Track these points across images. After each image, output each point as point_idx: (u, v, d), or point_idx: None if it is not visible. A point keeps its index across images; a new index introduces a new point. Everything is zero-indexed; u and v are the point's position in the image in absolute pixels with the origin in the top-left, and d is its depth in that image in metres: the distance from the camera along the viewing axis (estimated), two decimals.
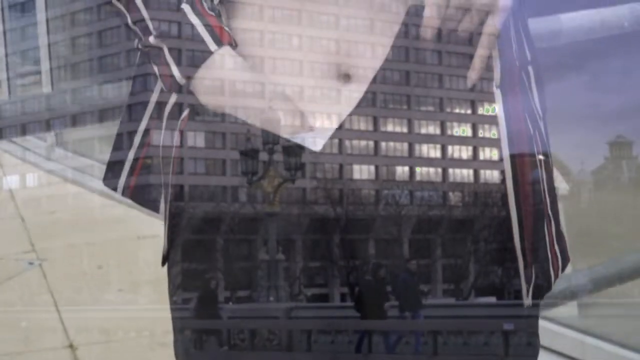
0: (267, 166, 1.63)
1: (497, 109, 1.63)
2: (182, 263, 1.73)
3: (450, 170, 1.70)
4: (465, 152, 1.71)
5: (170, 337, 1.75)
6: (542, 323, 1.74)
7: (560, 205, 1.73)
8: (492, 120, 1.63)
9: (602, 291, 3.54)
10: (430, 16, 1.58)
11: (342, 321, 1.70)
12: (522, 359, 1.72)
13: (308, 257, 1.69)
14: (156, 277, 1.81)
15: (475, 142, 1.71)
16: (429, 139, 1.70)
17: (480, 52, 1.60)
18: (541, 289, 1.68)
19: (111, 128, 1.83)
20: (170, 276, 1.74)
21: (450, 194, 1.71)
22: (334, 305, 1.74)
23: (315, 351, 1.67)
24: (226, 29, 1.61)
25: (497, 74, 1.61)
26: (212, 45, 1.58)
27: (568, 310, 3.97)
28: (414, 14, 1.61)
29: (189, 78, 1.60)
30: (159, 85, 1.67)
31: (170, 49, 1.60)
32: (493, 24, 1.59)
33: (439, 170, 1.69)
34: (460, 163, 1.71)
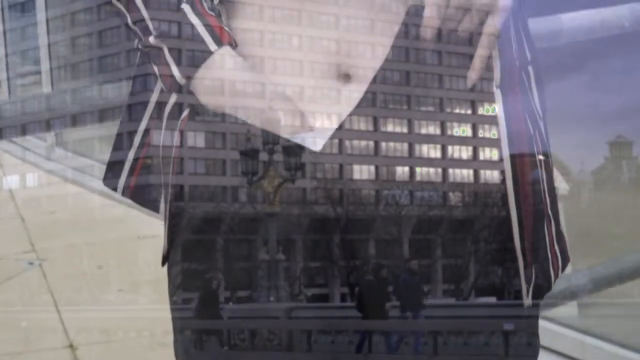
0: (267, 166, 1.63)
1: (497, 109, 1.63)
2: (182, 263, 1.73)
3: (451, 171, 1.70)
4: (465, 152, 1.71)
5: (170, 338, 1.75)
6: (542, 323, 1.74)
7: (560, 205, 1.73)
8: (492, 120, 1.63)
9: (602, 291, 3.54)
10: (430, 16, 1.58)
11: (342, 321, 1.70)
12: (523, 359, 1.72)
13: (308, 257, 1.69)
14: (156, 277, 1.81)
15: (476, 142, 1.70)
16: (429, 139, 1.70)
17: (481, 52, 1.60)
18: (541, 289, 1.68)
19: (111, 128, 1.83)
20: (170, 276, 1.74)
21: (451, 194, 1.71)
22: (334, 305, 1.74)
23: (315, 351, 1.67)
24: (226, 29, 1.61)
25: (497, 74, 1.61)
26: (212, 46, 1.58)
27: (568, 310, 3.97)
28: (414, 14, 1.61)
29: (189, 78, 1.60)
30: (159, 85, 1.67)
31: (170, 49, 1.60)
32: (493, 24, 1.59)
33: (439, 170, 1.69)
34: (460, 163, 1.71)
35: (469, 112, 1.69)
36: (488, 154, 1.69)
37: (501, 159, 1.63)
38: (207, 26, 1.59)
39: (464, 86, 1.63)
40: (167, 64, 1.61)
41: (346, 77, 1.62)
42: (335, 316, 1.73)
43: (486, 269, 1.70)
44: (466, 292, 1.71)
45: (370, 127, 1.66)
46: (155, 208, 1.73)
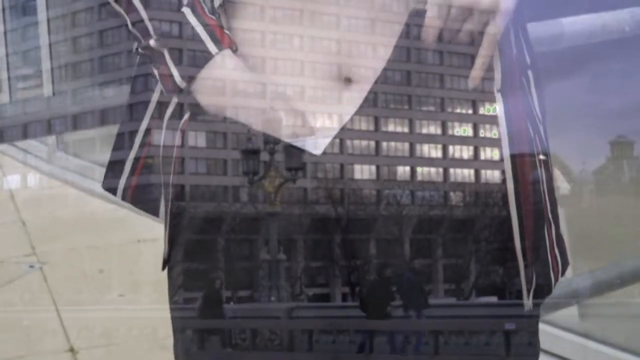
0: (268, 166, 1.63)
1: (497, 112, 1.63)
2: (183, 263, 1.73)
3: (452, 170, 1.70)
4: (466, 152, 1.71)
5: (170, 341, 1.75)
6: (542, 327, 1.74)
7: (560, 209, 1.74)
8: (494, 120, 1.64)
9: (603, 295, 3.54)
10: (432, 16, 1.58)
11: (343, 321, 1.69)
12: (524, 358, 1.72)
13: (309, 257, 1.69)
14: (157, 281, 1.81)
15: (477, 142, 1.71)
16: (430, 139, 1.70)
17: (482, 53, 1.60)
18: (541, 292, 1.68)
19: (113, 130, 1.83)
20: (171, 276, 1.74)
21: (452, 193, 1.71)
22: (336, 305, 1.74)
23: (316, 351, 1.67)
24: (227, 32, 1.61)
25: (497, 78, 1.62)
26: (212, 49, 1.59)
27: (569, 313, 3.96)
28: (416, 14, 1.61)
29: (189, 81, 1.60)
30: (159, 85, 1.67)
31: (170, 52, 1.60)
32: (495, 25, 1.59)
33: (440, 170, 1.69)
34: (461, 163, 1.71)
35: (470, 112, 1.69)
36: (489, 153, 1.69)
37: (502, 160, 1.64)
38: (207, 29, 1.59)
39: (465, 86, 1.63)
40: (168, 67, 1.61)
41: (348, 81, 1.63)
42: (336, 316, 1.73)
43: (487, 269, 1.70)
44: (467, 292, 1.71)
45: (372, 127, 1.66)
46: (155, 211, 1.73)
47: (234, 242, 1.73)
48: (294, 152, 1.61)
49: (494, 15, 1.58)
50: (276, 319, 1.70)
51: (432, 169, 1.70)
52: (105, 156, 1.80)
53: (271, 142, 1.62)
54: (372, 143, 1.68)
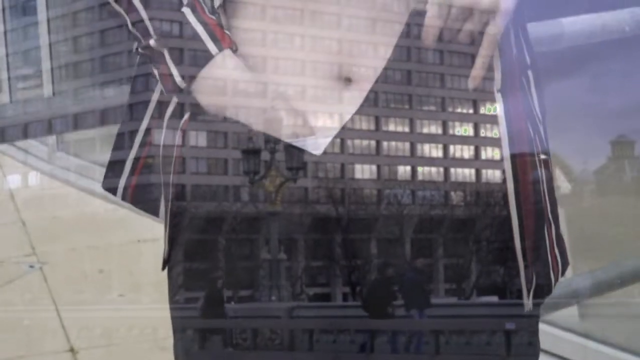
0: (269, 166, 1.63)
1: (497, 112, 1.63)
2: (184, 263, 1.73)
3: (452, 170, 1.70)
4: (467, 152, 1.71)
5: (170, 341, 1.75)
6: (543, 327, 1.74)
7: (560, 208, 1.74)
8: (494, 119, 1.64)
9: (603, 295, 3.54)
10: (432, 16, 1.58)
11: (344, 321, 1.69)
12: (524, 358, 1.72)
13: (310, 256, 1.69)
14: (157, 281, 1.81)
15: (478, 141, 1.71)
16: (431, 138, 1.70)
17: (483, 53, 1.60)
18: (541, 292, 1.68)
19: (113, 130, 1.83)
20: (171, 276, 1.74)
21: (452, 193, 1.71)
22: (336, 304, 1.73)
23: (317, 351, 1.66)
24: (227, 32, 1.61)
25: (497, 78, 1.62)
26: (212, 49, 1.59)
27: (569, 313, 3.96)
28: (417, 14, 1.61)
29: (190, 82, 1.60)
30: (159, 85, 1.67)
31: (171, 53, 1.60)
32: (496, 25, 1.59)
33: (441, 169, 1.69)
34: (462, 163, 1.71)
35: (471, 111, 1.69)
36: (490, 153, 1.69)
37: (502, 160, 1.64)
38: (207, 29, 1.59)
39: (465, 86, 1.63)
40: (168, 67, 1.61)
41: (348, 80, 1.63)
42: (337, 315, 1.73)
43: (488, 269, 1.70)
44: (468, 292, 1.71)
45: (372, 127, 1.66)
46: (155, 211, 1.73)
47: (235, 242, 1.73)
48: (294, 151, 1.61)
49: (494, 15, 1.59)
50: (277, 318, 1.70)
51: (433, 169, 1.70)
52: (106, 156, 1.80)
53: (272, 141, 1.62)
54: (373, 143, 1.68)
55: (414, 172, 1.70)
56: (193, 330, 1.74)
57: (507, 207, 1.63)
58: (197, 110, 1.64)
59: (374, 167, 1.69)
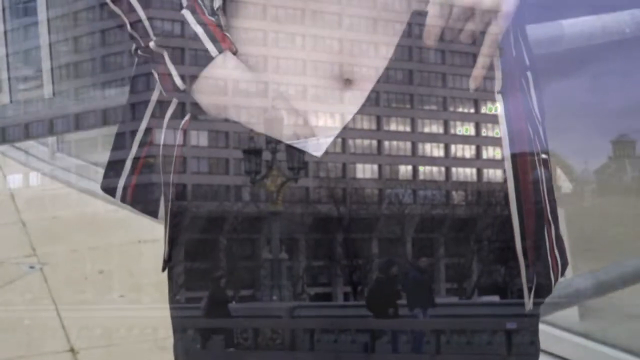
0: (270, 165, 1.63)
1: (498, 112, 1.63)
2: (184, 263, 1.72)
3: (454, 169, 1.70)
4: (468, 151, 1.71)
5: (170, 341, 1.75)
6: (543, 327, 1.75)
7: (561, 208, 1.74)
8: (495, 119, 1.64)
9: (604, 295, 3.54)
10: (434, 16, 1.58)
11: (345, 320, 1.69)
12: (524, 358, 1.72)
13: (311, 256, 1.69)
14: (157, 282, 1.81)
15: (479, 141, 1.71)
16: (432, 138, 1.70)
17: (484, 53, 1.60)
18: (542, 291, 1.69)
19: (114, 130, 1.83)
20: (171, 277, 1.74)
21: (454, 192, 1.71)
22: (338, 304, 1.73)
23: (318, 350, 1.66)
24: (227, 34, 1.61)
25: (498, 78, 1.62)
26: (212, 50, 1.59)
27: (569, 313, 3.97)
28: (418, 13, 1.61)
29: (189, 83, 1.60)
30: (159, 85, 1.67)
31: (170, 55, 1.61)
32: (497, 25, 1.59)
33: (442, 169, 1.69)
34: (463, 162, 1.71)
35: (472, 111, 1.69)
36: (491, 152, 1.69)
37: (503, 159, 1.64)
38: (207, 31, 1.60)
39: (467, 85, 1.64)
40: (168, 69, 1.61)
41: (349, 80, 1.63)
42: (338, 315, 1.73)
43: (489, 268, 1.70)
44: (469, 291, 1.71)
45: (373, 126, 1.66)
46: (154, 212, 1.73)
47: (236, 242, 1.73)
48: (296, 151, 1.61)
49: (496, 15, 1.59)
50: (278, 318, 1.70)
51: (434, 168, 1.70)
52: (106, 156, 1.80)
53: (273, 141, 1.62)
54: (374, 142, 1.68)
55: (415, 171, 1.70)
56: (193, 330, 1.74)
57: (508, 206, 1.63)
58: (198, 111, 1.64)
59: (375, 167, 1.69)
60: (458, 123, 1.71)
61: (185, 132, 1.66)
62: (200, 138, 1.69)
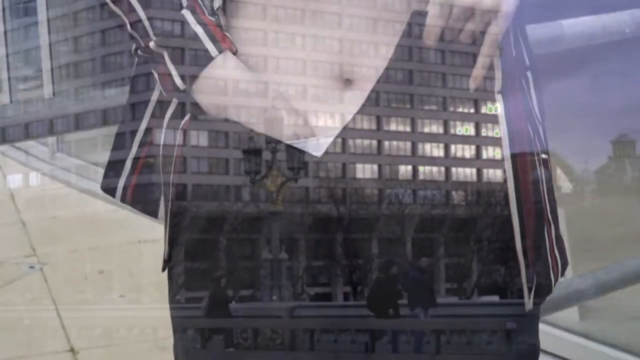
0: (270, 165, 1.63)
1: (498, 112, 1.63)
2: (184, 263, 1.72)
3: (453, 170, 1.69)
4: (468, 151, 1.71)
5: (169, 341, 1.75)
6: (543, 327, 1.75)
7: (561, 208, 1.74)
8: (495, 119, 1.64)
9: (605, 295, 3.54)
10: (434, 15, 1.58)
11: (345, 320, 1.69)
12: (525, 357, 1.72)
13: (311, 256, 1.69)
14: (157, 281, 1.81)
15: (479, 141, 1.71)
16: (432, 138, 1.70)
17: (484, 53, 1.60)
18: (542, 291, 1.69)
19: (114, 130, 1.83)
20: (171, 277, 1.74)
21: (454, 192, 1.71)
22: (338, 304, 1.73)
23: (318, 350, 1.66)
24: (227, 34, 1.61)
25: (498, 78, 1.62)
26: (212, 51, 1.59)
27: (569, 314, 3.97)
28: (418, 13, 1.61)
29: (190, 83, 1.60)
30: (159, 85, 1.67)
31: (170, 55, 1.61)
32: (497, 25, 1.59)
33: (442, 169, 1.69)
34: (463, 162, 1.71)
35: (472, 111, 1.69)
36: (491, 153, 1.69)
37: (503, 159, 1.64)
38: (207, 31, 1.60)
39: (467, 85, 1.64)
40: (168, 69, 1.61)
41: (349, 80, 1.63)
42: (338, 315, 1.73)
43: (489, 268, 1.70)
44: (469, 291, 1.71)
45: (373, 126, 1.66)
46: (154, 212, 1.73)
47: (236, 242, 1.73)
48: (295, 151, 1.61)
49: (496, 15, 1.59)
50: (278, 318, 1.70)
51: (434, 168, 1.70)
52: (106, 156, 1.80)
53: (273, 141, 1.62)
54: (374, 142, 1.68)
55: (415, 171, 1.70)
56: (193, 330, 1.74)
57: (508, 206, 1.63)
58: (198, 111, 1.64)
59: (375, 167, 1.69)
60: (458, 123, 1.71)
61: (185, 132, 1.66)
62: (200, 138, 1.69)
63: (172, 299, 1.74)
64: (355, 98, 1.63)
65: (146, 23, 1.63)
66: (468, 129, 1.71)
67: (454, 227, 1.70)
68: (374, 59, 1.64)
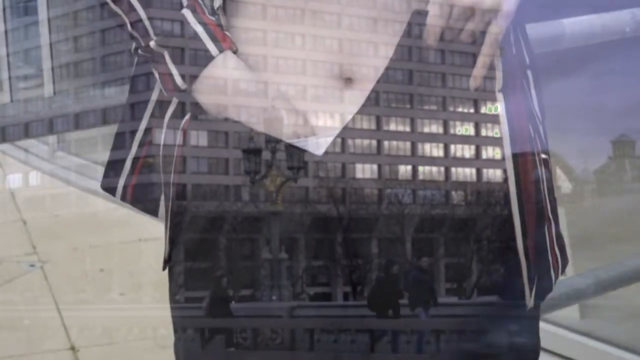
0: (269, 165, 1.63)
1: (499, 112, 1.63)
2: (185, 262, 1.73)
3: (453, 169, 1.69)
4: (468, 151, 1.71)
5: (169, 340, 1.75)
6: (543, 326, 1.75)
7: (561, 207, 1.74)
8: (495, 119, 1.64)
9: (605, 294, 3.54)
10: (434, 15, 1.58)
11: (345, 320, 1.69)
12: (525, 356, 1.72)
13: (311, 256, 1.69)
14: (158, 280, 1.81)
15: (479, 141, 1.71)
16: (432, 137, 1.70)
17: (485, 53, 1.60)
18: (542, 290, 1.69)
19: (114, 129, 1.83)
20: (172, 276, 1.74)
21: (453, 192, 1.71)
22: (337, 304, 1.73)
23: (318, 350, 1.66)
24: (227, 34, 1.61)
25: (498, 78, 1.62)
26: (213, 50, 1.59)
27: (570, 313, 3.97)
28: (418, 13, 1.61)
29: (190, 83, 1.60)
30: (159, 84, 1.68)
31: (171, 54, 1.61)
32: (498, 25, 1.59)
33: (442, 169, 1.69)
34: (463, 162, 1.71)
35: (472, 110, 1.69)
36: (491, 152, 1.69)
37: (504, 159, 1.64)
38: (207, 31, 1.60)
39: (467, 85, 1.63)
40: (168, 69, 1.61)
41: (349, 80, 1.63)
42: (338, 315, 1.73)
43: (489, 268, 1.70)
44: (469, 291, 1.71)
45: (373, 126, 1.66)
46: (154, 211, 1.73)
47: (236, 242, 1.73)
48: (295, 151, 1.61)
49: (496, 14, 1.59)
50: (278, 318, 1.70)
51: (434, 168, 1.70)
52: (106, 155, 1.80)
53: (273, 141, 1.62)
54: (374, 142, 1.68)
55: (415, 171, 1.70)
56: (194, 329, 1.74)
57: (508, 206, 1.63)
58: (198, 111, 1.64)
59: (375, 167, 1.69)
60: (458, 123, 1.71)
61: (185, 132, 1.66)
62: (200, 138, 1.69)
63: (173, 298, 1.74)
64: (355, 98, 1.63)
65: (146, 23, 1.63)
66: (468, 129, 1.71)
67: (453, 227, 1.70)
68: (374, 58, 1.64)
